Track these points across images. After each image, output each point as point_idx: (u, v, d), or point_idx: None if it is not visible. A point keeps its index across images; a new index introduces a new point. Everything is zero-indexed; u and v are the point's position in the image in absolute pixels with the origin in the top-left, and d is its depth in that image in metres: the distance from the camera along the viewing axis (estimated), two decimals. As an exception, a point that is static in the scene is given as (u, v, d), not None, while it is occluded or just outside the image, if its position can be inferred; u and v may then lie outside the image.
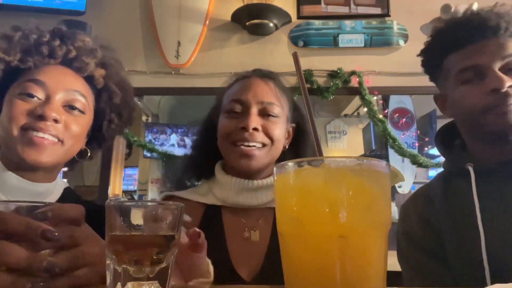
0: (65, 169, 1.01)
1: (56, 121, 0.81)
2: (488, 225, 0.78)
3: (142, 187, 5.09)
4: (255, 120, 0.91)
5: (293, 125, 1.05)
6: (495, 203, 0.80)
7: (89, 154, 0.94)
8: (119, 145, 3.15)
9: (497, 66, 0.82)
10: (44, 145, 0.80)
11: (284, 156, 1.02)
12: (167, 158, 2.95)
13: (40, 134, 0.79)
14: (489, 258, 0.75)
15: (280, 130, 0.96)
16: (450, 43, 0.89)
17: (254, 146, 0.91)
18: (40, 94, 0.82)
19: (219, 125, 0.98)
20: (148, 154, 3.97)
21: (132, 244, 0.43)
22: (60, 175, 0.95)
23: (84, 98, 0.87)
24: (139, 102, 4.11)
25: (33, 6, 2.78)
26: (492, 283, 0.71)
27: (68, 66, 0.88)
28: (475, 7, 3.04)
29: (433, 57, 0.94)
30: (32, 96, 0.81)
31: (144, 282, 0.42)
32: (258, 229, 0.91)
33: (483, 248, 0.76)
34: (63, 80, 0.85)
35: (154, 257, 0.43)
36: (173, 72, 2.85)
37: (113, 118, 0.96)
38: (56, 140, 0.82)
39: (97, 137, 0.97)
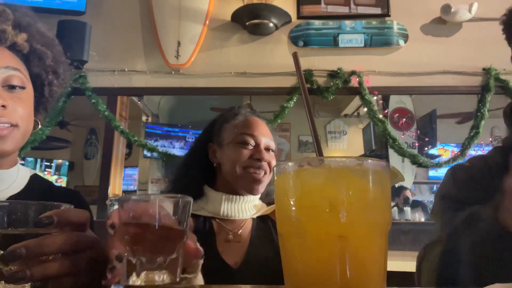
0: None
1: (4, 106, 0.75)
2: None
3: (142, 187, 5.09)
4: (266, 154, 1.12)
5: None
6: None
7: (39, 125, 0.89)
8: (119, 145, 3.15)
9: None
10: (3, 134, 0.75)
11: None
12: (167, 158, 2.95)
13: None
14: None
15: (275, 161, 1.18)
16: None
17: (263, 174, 1.12)
18: None
19: (231, 153, 1.14)
20: (148, 154, 3.97)
21: (145, 236, 0.46)
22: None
23: (18, 71, 0.80)
24: (138, 102, 4.11)
25: (33, 6, 2.78)
26: None
27: None
28: (475, 7, 3.03)
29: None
30: None
31: (156, 271, 0.46)
32: (240, 233, 1.11)
33: None
34: None
35: (165, 248, 0.47)
36: (173, 72, 2.85)
37: (51, 80, 0.89)
38: (10, 126, 0.77)
39: (42, 102, 0.92)
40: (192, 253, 0.54)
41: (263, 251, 1.06)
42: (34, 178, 0.91)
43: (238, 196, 1.13)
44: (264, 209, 1.17)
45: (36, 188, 0.88)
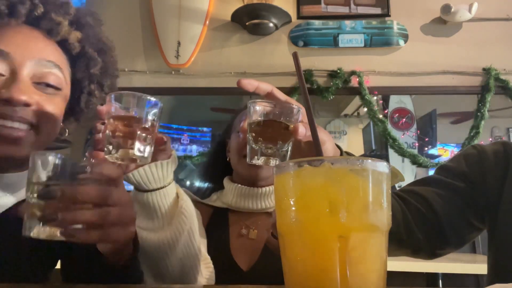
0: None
1: (27, 105, 0.65)
2: None
3: (142, 187, 5.08)
4: None
5: None
6: None
7: (67, 133, 0.78)
8: (119, 145, 3.15)
9: None
10: (14, 137, 0.64)
11: None
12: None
13: (9, 123, 0.64)
14: None
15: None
16: None
17: None
18: (2, 69, 0.64)
19: (232, 141, 1.11)
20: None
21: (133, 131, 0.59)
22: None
23: (59, 71, 0.71)
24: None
25: (33, 6, 2.77)
26: None
27: (35, 27, 0.70)
28: (475, 7, 3.03)
29: None
30: None
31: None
32: (256, 229, 1.03)
33: None
34: (32, 47, 0.67)
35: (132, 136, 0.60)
36: (173, 72, 2.85)
37: (93, 90, 0.80)
38: (28, 127, 0.66)
39: (75, 111, 0.81)
40: (158, 141, 0.63)
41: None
42: None
43: (252, 188, 1.05)
44: None
45: None
